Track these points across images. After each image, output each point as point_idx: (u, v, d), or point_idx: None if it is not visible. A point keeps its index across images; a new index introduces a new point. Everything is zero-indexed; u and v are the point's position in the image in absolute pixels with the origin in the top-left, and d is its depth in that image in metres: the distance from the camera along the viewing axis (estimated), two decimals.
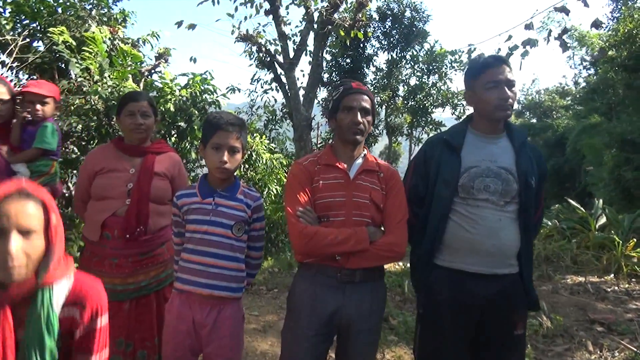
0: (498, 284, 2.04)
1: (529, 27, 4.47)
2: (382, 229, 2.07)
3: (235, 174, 2.15)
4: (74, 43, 5.56)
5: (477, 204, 2.05)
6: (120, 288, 2.35)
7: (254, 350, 3.82)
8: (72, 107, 5.60)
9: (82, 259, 2.49)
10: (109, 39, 6.17)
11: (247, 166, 8.74)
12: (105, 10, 7.26)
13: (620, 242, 7.09)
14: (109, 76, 5.72)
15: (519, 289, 2.09)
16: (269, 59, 9.46)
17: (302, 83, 9.81)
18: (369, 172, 2.10)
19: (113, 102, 5.47)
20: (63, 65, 6.24)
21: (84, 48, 5.72)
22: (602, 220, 8.34)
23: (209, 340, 2.02)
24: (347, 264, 1.95)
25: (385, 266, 3.10)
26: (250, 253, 2.17)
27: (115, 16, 7.07)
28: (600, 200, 9.36)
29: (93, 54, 5.66)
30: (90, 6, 6.70)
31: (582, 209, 8.99)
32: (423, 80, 14.90)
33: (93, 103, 5.59)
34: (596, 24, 4.15)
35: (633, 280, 6.56)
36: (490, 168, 2.06)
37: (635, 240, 7.19)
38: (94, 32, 5.52)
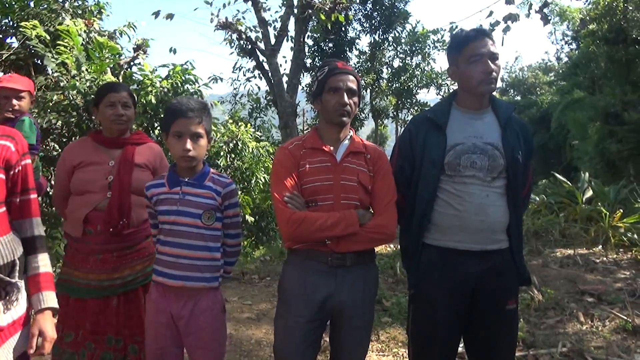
0: (488, 261, 2.03)
1: (509, 1, 4.43)
2: (371, 211, 2.04)
3: (204, 160, 2.10)
4: (48, 37, 5.42)
5: (464, 180, 2.03)
6: (107, 284, 2.31)
7: (248, 338, 3.81)
8: (51, 104, 5.47)
9: (66, 257, 2.44)
10: (85, 31, 6.02)
11: (233, 156, 8.66)
12: (80, 2, 7.08)
13: (607, 213, 7.18)
14: (86, 70, 5.59)
15: (509, 265, 2.08)
16: (250, 46, 9.33)
17: (285, 69, 9.70)
18: (355, 154, 2.06)
19: (92, 96, 5.35)
20: (39, 61, 6.09)
21: (59, 42, 5.58)
22: (589, 193, 8.43)
23: (188, 331, 1.99)
24: (338, 248, 1.92)
25: (377, 248, 3.08)
26: (226, 241, 2.12)
27: (90, 8, 6.89)
28: (587, 174, 9.47)
29: (69, 48, 5.53)
30: None
31: (568, 183, 9.08)
32: (406, 61, 14.84)
33: (72, 98, 5.47)
34: None
35: (621, 250, 6.66)
36: (476, 144, 2.04)
37: (621, 211, 7.29)
38: (68, 26, 5.36)
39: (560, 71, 27.43)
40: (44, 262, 1.67)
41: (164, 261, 1.98)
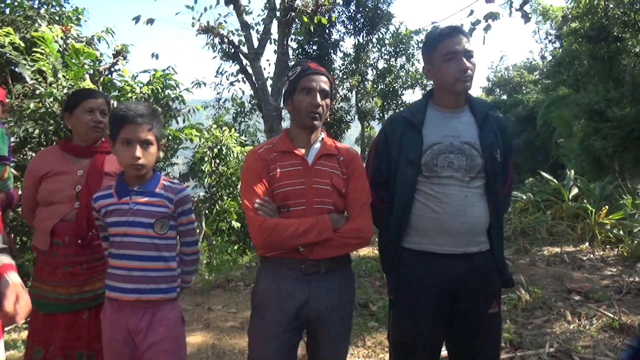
0: (469, 263, 1.97)
1: (489, 0, 4.41)
2: (346, 214, 1.98)
3: (153, 167, 2.02)
4: (23, 45, 5.30)
5: (442, 181, 1.98)
6: (78, 297, 2.22)
7: (231, 348, 3.73)
8: (27, 112, 5.36)
9: (35, 271, 2.34)
10: (62, 38, 5.91)
11: (217, 161, 8.58)
12: (57, 8, 6.98)
13: (593, 210, 7.19)
14: (63, 77, 5.48)
15: (491, 267, 2.03)
16: (232, 50, 9.25)
17: (269, 73, 9.64)
18: (328, 157, 1.99)
19: None
20: (16, 69, 5.97)
21: (34, 49, 5.47)
22: (575, 190, 8.46)
23: (146, 345, 1.91)
24: (311, 255, 1.86)
25: (363, 251, 2.99)
26: (182, 249, 2.05)
27: (67, 14, 6.78)
28: (572, 171, 9.50)
29: (45, 55, 5.42)
30: (39, 5, 6.40)
31: (555, 180, 9.11)
32: (391, 62, 14.85)
33: (48, 106, 5.36)
34: None
35: (607, 247, 6.67)
36: (453, 144, 1.99)
37: (607, 207, 7.31)
38: (43, 32, 5.25)
39: (545, 69, 27.68)
40: (4, 257, 1.71)
41: (117, 275, 1.91)
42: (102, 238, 2.06)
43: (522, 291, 4.60)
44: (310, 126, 1.96)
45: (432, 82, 2.12)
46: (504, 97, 32.92)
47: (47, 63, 5.38)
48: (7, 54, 5.08)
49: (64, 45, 5.92)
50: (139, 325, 1.89)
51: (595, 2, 13.67)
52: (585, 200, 7.82)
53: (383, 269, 2.20)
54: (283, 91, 2.06)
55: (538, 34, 28.35)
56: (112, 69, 7.22)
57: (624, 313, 3.94)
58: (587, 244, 6.86)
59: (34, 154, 5.62)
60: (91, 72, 6.74)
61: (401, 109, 14.94)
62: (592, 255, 6.30)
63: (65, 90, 5.42)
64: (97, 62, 6.97)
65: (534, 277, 5.34)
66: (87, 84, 5.93)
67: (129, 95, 6.14)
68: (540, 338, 3.71)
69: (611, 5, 13.40)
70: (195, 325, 4.25)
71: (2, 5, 6.46)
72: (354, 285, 2.05)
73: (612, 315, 3.90)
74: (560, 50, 22.51)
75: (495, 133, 2.04)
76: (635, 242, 6.16)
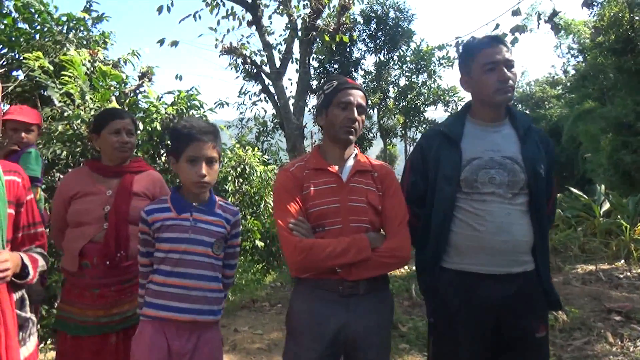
0: (513, 285, 1.86)
1: (516, 13, 4.33)
2: (382, 232, 1.90)
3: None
4: (52, 68, 5.40)
5: (483, 198, 1.88)
6: (105, 320, 2.18)
7: None
8: (55, 134, 5.44)
9: (63, 292, 2.32)
10: (89, 61, 6.02)
11: (241, 180, 8.58)
12: (85, 33, 7.13)
13: (628, 226, 6.94)
14: (90, 99, 5.56)
15: (536, 288, 1.91)
16: (255, 70, 9.31)
17: (290, 92, 9.67)
18: (362, 173, 1.92)
19: None
20: (45, 93, 6.09)
21: (63, 73, 5.57)
22: (606, 205, 8.21)
23: None
24: (349, 276, 1.78)
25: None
26: (224, 272, 1.99)
27: (94, 38, 6.92)
28: (602, 186, 9.23)
29: (73, 78, 5.52)
30: (68, 30, 6.55)
31: (584, 196, 8.86)
32: (412, 79, 14.78)
33: (76, 128, 5.43)
34: (587, 3, 4.01)
35: None
36: (493, 158, 1.90)
37: None
38: (72, 56, 5.35)
39: (568, 84, 27.25)
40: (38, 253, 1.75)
41: (171, 294, 1.83)
42: (144, 254, 1.96)
43: (559, 311, 4.40)
44: (346, 140, 1.90)
45: (470, 94, 2.03)
46: (527, 112, 32.51)
47: (75, 86, 5.47)
48: (37, 78, 5.17)
49: (91, 68, 6.02)
50: (185, 347, 1.83)
51: (620, 15, 13.45)
52: (618, 216, 7.55)
53: (420, 291, 2.10)
54: (317, 104, 2.01)
55: (560, 48, 28.01)
56: (138, 91, 7.32)
57: None
58: (622, 261, 6.61)
59: (61, 176, 5.69)
60: (117, 93, 6.85)
61: (424, 125, 14.88)
62: (629, 273, 6.04)
63: (92, 112, 5.49)
64: (123, 84, 7.09)
65: (570, 296, 5.13)
66: (114, 105, 6.01)
67: (154, 116, 6.20)
68: None
69: (637, 18, 13.16)
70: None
71: (33, 31, 6.63)
72: (393, 307, 1.96)
73: None
74: (584, 64, 22.18)
75: (538, 147, 1.95)
76: None
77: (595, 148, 16.43)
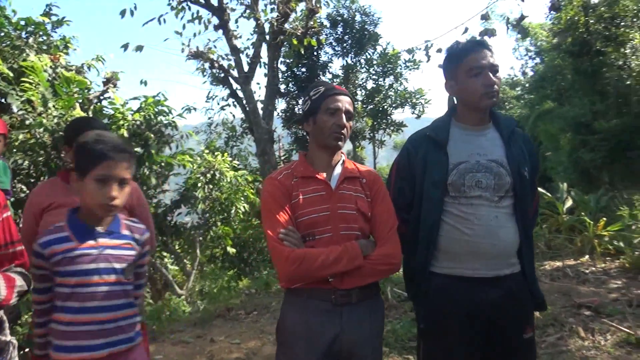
0: (502, 287, 1.88)
1: (485, 17, 4.42)
2: (372, 239, 1.89)
3: None
4: (11, 74, 5.18)
5: (471, 202, 1.90)
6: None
7: None
8: (16, 143, 5.21)
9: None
10: (50, 67, 5.80)
11: (211, 186, 8.44)
12: (45, 37, 6.87)
13: (591, 222, 7.17)
14: (53, 106, 5.35)
15: (524, 289, 1.94)
16: (222, 74, 9.22)
17: (259, 96, 9.61)
18: (350, 180, 1.91)
19: (60, 133, 5.11)
20: (3, 100, 5.84)
21: (23, 79, 5.35)
22: (569, 203, 8.45)
23: None
24: (342, 285, 1.75)
25: None
26: (135, 293, 1.82)
27: (55, 43, 6.68)
28: (565, 184, 9.52)
29: (34, 85, 5.30)
30: (27, 35, 6.30)
31: (548, 193, 9.11)
32: (380, 82, 14.94)
33: (39, 136, 5.22)
34: (555, 7, 4.12)
35: (608, 259, 6.63)
36: (480, 162, 1.91)
37: (604, 219, 7.30)
38: (32, 62, 5.14)
39: (527, 85, 28.08)
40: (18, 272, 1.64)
41: (84, 332, 1.62)
42: (41, 290, 1.69)
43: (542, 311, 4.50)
44: (334, 147, 1.89)
45: (455, 98, 2.05)
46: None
47: (37, 93, 5.26)
48: None
49: (53, 74, 5.80)
50: None
51: (576, 18, 13.95)
52: (582, 213, 7.80)
53: (409, 297, 2.10)
54: (303, 110, 1.97)
55: (518, 50, 28.83)
56: (102, 97, 7.11)
57: (638, 327, 3.86)
58: (587, 256, 6.82)
59: (23, 186, 5.45)
60: (81, 100, 6.62)
61: (391, 127, 15.03)
62: (594, 268, 6.25)
63: (55, 120, 5.29)
64: (87, 91, 6.86)
65: None
66: (78, 112, 5.81)
67: (121, 122, 6.03)
68: (558, 357, 3.62)
69: (592, 21, 13.68)
70: (198, 358, 4.08)
71: None
72: (384, 314, 1.94)
73: (627, 330, 3.82)
74: (542, 65, 22.88)
75: (522, 150, 1.98)
76: (637, 253, 6.13)
77: (555, 147, 16.98)
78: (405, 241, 1.98)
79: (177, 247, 8.91)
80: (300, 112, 1.99)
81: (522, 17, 4.08)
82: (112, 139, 1.72)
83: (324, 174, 1.89)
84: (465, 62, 1.93)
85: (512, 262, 1.93)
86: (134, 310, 1.77)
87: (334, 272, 1.72)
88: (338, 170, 1.92)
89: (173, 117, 6.48)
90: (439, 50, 5.53)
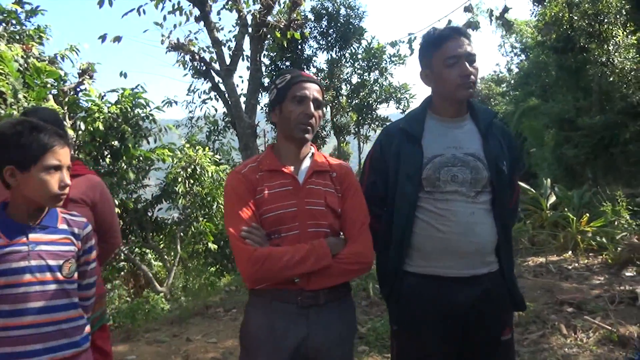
0: (479, 287, 1.79)
1: (468, 9, 4.34)
2: (342, 237, 1.78)
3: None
4: None
5: (446, 197, 1.80)
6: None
7: None
8: None
9: None
10: (22, 57, 5.59)
11: (192, 181, 8.29)
12: (17, 27, 6.65)
13: (574, 218, 7.17)
14: (24, 97, 5.16)
15: (502, 289, 1.85)
16: (204, 67, 9.01)
17: (242, 90, 9.44)
18: (320, 174, 1.79)
19: None
20: None
21: None
22: (552, 199, 8.46)
23: None
24: (309, 286, 1.64)
25: None
26: (81, 294, 1.68)
27: (28, 32, 6.46)
28: (549, 180, 9.53)
29: (4, 75, 5.11)
30: None
31: (532, 189, 9.11)
32: (364, 77, 14.82)
33: None
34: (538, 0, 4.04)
35: (591, 255, 6.64)
36: (456, 156, 1.81)
37: (587, 215, 7.30)
38: (1, 51, 4.94)
39: (512, 81, 28.24)
40: None
41: (18, 338, 1.49)
42: None
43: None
44: (301, 139, 1.77)
45: (430, 88, 1.94)
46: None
47: (7, 83, 5.07)
48: None
49: (25, 65, 5.60)
50: None
51: (560, 15, 13.97)
52: (565, 209, 7.81)
53: (382, 296, 2.00)
54: (269, 99, 1.85)
55: (504, 47, 28.96)
56: (78, 89, 6.91)
57: (620, 324, 3.82)
58: (570, 252, 6.82)
59: None
60: (55, 92, 6.44)
61: (376, 122, 14.93)
62: (577, 264, 6.24)
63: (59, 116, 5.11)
64: (62, 82, 6.67)
65: (523, 289, 5.13)
66: (51, 104, 5.63)
67: (96, 115, 5.86)
68: (539, 355, 3.56)
69: (575, 17, 13.72)
70: (173, 358, 3.96)
71: None
72: (355, 316, 1.84)
73: (609, 327, 3.78)
74: (527, 62, 23.00)
75: (500, 143, 1.88)
76: (619, 249, 6.13)
77: (540, 143, 17.06)
78: (378, 238, 1.88)
79: (159, 243, 8.76)
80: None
81: (506, 9, 4.00)
82: (48, 126, 1.60)
83: (292, 168, 1.77)
84: (440, 51, 1.82)
85: (490, 261, 1.84)
86: (79, 312, 1.65)
87: (300, 273, 1.61)
88: (306, 163, 1.81)
89: (150, 110, 6.33)
90: None
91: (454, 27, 1.88)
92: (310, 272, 1.61)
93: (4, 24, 6.52)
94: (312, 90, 1.77)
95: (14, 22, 6.65)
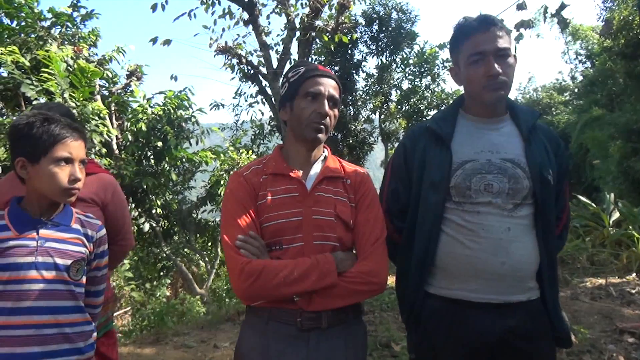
0: (513, 316, 1.52)
1: (521, 7, 4.00)
2: (354, 252, 1.56)
3: None
4: (27, 64, 5.12)
5: (477, 209, 1.54)
6: None
7: None
8: None
9: None
10: (72, 58, 5.74)
11: None
12: (72, 29, 6.87)
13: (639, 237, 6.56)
14: (71, 97, 5.27)
15: (542, 321, 1.57)
16: (251, 70, 9.02)
17: None
18: (331, 180, 1.58)
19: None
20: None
21: (43, 69, 5.30)
22: (616, 215, 7.84)
23: None
24: (310, 306, 1.43)
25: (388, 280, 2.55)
26: (88, 301, 1.59)
27: (81, 35, 6.65)
28: (612, 194, 8.85)
29: (53, 76, 5.25)
30: (50, 25, 6.28)
31: (593, 204, 8.48)
32: (415, 83, 14.44)
33: None
34: None
35: None
36: (491, 161, 1.56)
37: None
38: (48, 51, 5.07)
39: (576, 90, 26.87)
40: None
41: (17, 338, 1.41)
42: None
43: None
44: (313, 140, 1.56)
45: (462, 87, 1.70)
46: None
47: (56, 83, 5.20)
48: (9, 73, 4.89)
49: (74, 66, 5.75)
50: None
51: (630, 19, 13.05)
52: (629, 226, 7.17)
53: (402, 318, 1.76)
54: (281, 95, 1.67)
55: (567, 54, 27.61)
56: (127, 90, 7.06)
57: None
58: (634, 274, 6.22)
59: None
60: (106, 92, 6.59)
61: None
62: None
63: (74, 112, 5.21)
64: (112, 84, 6.82)
65: (578, 313, 4.77)
66: (98, 105, 5.74)
67: (140, 116, 5.92)
68: None
69: None
70: None
71: (17, 27, 6.37)
72: (366, 343, 1.61)
73: None
74: (592, 69, 21.80)
75: (545, 148, 1.60)
76: None
77: (604, 155, 16.01)
78: (397, 254, 1.65)
79: (197, 245, 8.81)
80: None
81: (563, 6, 3.64)
82: (62, 118, 1.54)
83: (300, 172, 1.58)
84: (465, 46, 1.57)
85: (529, 287, 1.56)
86: (86, 317, 1.55)
87: (300, 291, 1.40)
88: (317, 168, 1.60)
89: (193, 112, 6.33)
90: None
91: (483, 15, 1.60)
92: (311, 290, 1.41)
93: (60, 27, 6.75)
94: (328, 86, 1.56)
95: (69, 24, 6.87)
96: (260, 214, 1.51)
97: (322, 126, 1.55)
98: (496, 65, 1.52)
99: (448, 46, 1.76)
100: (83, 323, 1.53)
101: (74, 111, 5.11)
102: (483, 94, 1.56)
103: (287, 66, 8.86)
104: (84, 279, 1.56)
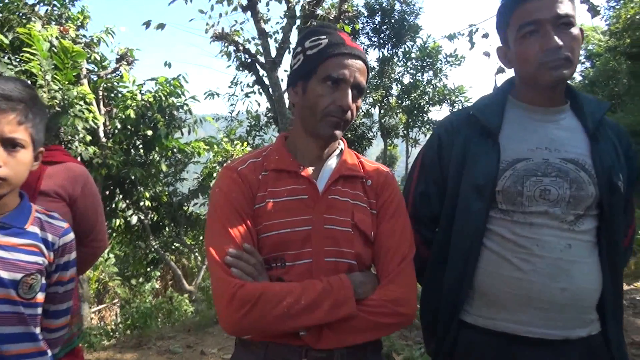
0: (571, 355, 1.22)
1: None
2: (374, 271, 1.24)
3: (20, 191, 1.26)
4: (7, 41, 4.76)
5: (530, 220, 1.23)
6: None
7: None
8: None
9: None
10: (56, 38, 5.37)
11: None
12: (60, 9, 6.50)
13: None
14: (55, 79, 4.92)
15: None
16: (248, 59, 8.69)
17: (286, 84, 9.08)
18: (348, 180, 1.25)
19: (57, 109, 4.67)
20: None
21: (24, 49, 4.94)
22: None
23: None
24: (319, 343, 1.11)
25: None
26: (47, 323, 1.24)
27: (68, 14, 6.28)
28: None
29: (36, 56, 4.89)
30: (34, 3, 5.91)
31: None
32: (417, 77, 14.12)
33: None
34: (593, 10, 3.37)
35: None
36: (549, 161, 1.24)
37: None
38: (29, 29, 4.71)
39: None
40: None
41: None
42: None
43: None
44: (329, 137, 1.23)
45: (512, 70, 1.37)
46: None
47: (38, 64, 4.84)
48: None
49: (59, 46, 5.38)
50: None
51: (637, 17, 12.79)
52: (639, 231, 6.90)
53: (427, 350, 1.45)
54: (292, 67, 1.32)
55: None
56: (116, 75, 6.71)
57: None
58: None
59: None
60: (95, 77, 6.26)
61: (427, 126, 14.19)
62: None
63: (56, 94, 4.85)
64: (102, 68, 6.48)
65: None
66: (84, 89, 5.39)
67: (129, 102, 5.57)
68: None
69: None
70: None
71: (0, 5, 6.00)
72: None
73: None
74: (593, 70, 21.61)
75: (615, 147, 1.29)
76: None
77: None
78: (425, 272, 1.34)
79: (188, 239, 8.49)
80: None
81: None
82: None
83: (310, 169, 1.25)
84: (516, 15, 1.26)
85: (591, 319, 1.26)
86: (38, 345, 1.20)
87: (307, 325, 1.08)
88: (331, 164, 1.28)
89: (186, 100, 5.99)
90: (485, 36, 4.79)
91: None
92: (323, 323, 1.09)
93: (47, 6, 6.38)
94: (355, 69, 1.21)
95: (57, 4, 6.50)
96: (258, 221, 1.18)
97: (341, 122, 1.22)
98: (556, 38, 1.20)
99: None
100: (35, 354, 1.19)
101: (57, 94, 4.76)
102: (539, 74, 1.24)
103: (286, 55, 8.55)
104: (39, 297, 1.20)
